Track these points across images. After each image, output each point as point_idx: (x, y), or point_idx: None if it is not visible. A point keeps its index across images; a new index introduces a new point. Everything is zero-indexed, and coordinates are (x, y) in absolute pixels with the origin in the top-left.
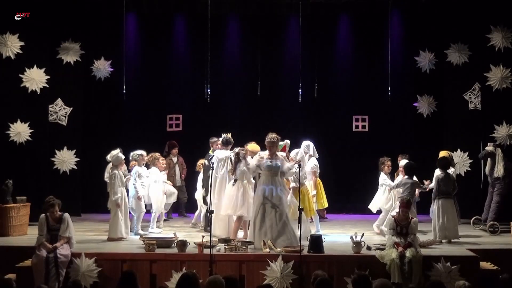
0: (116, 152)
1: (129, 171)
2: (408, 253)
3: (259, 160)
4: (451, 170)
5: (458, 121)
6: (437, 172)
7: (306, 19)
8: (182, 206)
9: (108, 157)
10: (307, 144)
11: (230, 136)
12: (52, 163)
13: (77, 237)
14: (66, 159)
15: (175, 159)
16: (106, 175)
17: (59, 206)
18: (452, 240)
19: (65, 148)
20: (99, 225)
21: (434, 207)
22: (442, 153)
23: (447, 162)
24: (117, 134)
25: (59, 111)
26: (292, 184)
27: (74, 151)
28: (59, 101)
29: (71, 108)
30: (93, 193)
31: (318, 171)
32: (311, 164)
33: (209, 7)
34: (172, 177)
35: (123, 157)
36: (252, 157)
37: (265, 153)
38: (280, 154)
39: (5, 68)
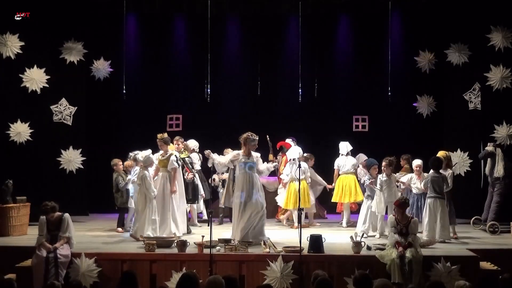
0: (148, 153)
1: (125, 171)
2: (408, 253)
3: (235, 157)
4: (449, 171)
5: (458, 121)
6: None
7: (306, 19)
8: None
9: (139, 156)
10: (339, 144)
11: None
12: (58, 163)
13: (79, 238)
14: (72, 159)
15: None
16: (134, 177)
17: (55, 209)
18: (446, 240)
19: (70, 147)
20: (105, 225)
21: (425, 206)
22: (440, 153)
23: (440, 162)
24: (117, 134)
25: (64, 110)
26: (285, 180)
27: (79, 150)
28: (63, 101)
29: (76, 108)
30: (99, 192)
31: (343, 169)
32: (336, 162)
33: (209, 7)
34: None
35: (154, 158)
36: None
37: (241, 151)
38: (255, 153)
39: (5, 68)
